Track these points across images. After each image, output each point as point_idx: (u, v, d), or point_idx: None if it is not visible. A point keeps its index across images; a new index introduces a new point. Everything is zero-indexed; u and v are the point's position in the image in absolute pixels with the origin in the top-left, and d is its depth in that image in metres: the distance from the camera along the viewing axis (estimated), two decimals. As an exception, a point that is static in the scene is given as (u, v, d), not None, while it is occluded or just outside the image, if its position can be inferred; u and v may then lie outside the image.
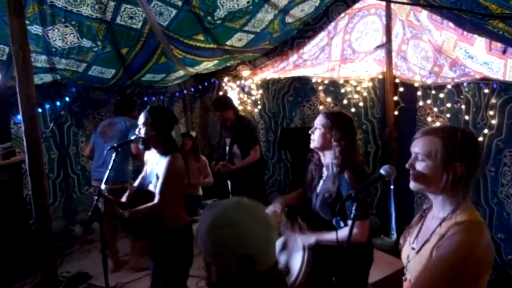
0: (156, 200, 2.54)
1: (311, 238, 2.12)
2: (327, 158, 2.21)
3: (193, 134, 4.64)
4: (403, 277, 1.52)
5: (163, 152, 2.66)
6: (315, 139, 2.21)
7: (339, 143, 2.11)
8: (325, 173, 2.26)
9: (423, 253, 1.36)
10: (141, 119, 2.66)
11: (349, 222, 1.79)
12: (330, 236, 2.05)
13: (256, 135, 4.29)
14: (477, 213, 1.35)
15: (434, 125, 1.36)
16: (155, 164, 2.72)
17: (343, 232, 1.90)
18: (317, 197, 2.25)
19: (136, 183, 2.99)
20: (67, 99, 4.83)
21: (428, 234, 1.39)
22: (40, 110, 4.44)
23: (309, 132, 2.26)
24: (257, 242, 1.01)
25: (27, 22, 2.61)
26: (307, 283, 2.08)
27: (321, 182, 2.26)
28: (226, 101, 4.34)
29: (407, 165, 1.42)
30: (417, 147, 1.39)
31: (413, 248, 1.45)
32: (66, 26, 3.23)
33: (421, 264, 1.35)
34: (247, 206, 1.08)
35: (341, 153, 2.10)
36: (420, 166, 1.38)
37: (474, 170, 1.36)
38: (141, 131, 2.65)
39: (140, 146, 2.71)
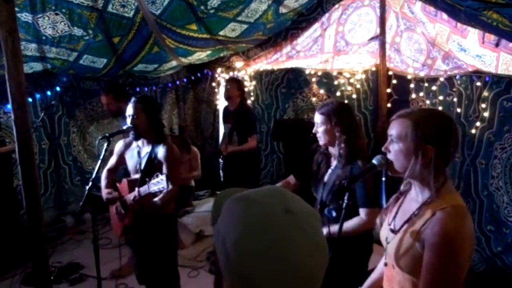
0: (171, 186, 2.48)
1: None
2: (336, 148, 2.22)
3: (175, 129, 4.55)
4: (383, 263, 1.52)
5: (153, 140, 2.67)
6: (321, 137, 2.23)
7: (342, 135, 2.14)
8: (333, 162, 2.26)
9: (404, 235, 1.37)
10: (130, 109, 2.67)
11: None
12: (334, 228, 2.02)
13: (256, 125, 4.32)
14: (457, 196, 1.35)
15: (412, 108, 1.37)
16: (143, 154, 2.72)
17: (349, 223, 2.02)
18: (325, 186, 2.25)
19: (103, 176, 2.93)
20: (58, 88, 4.77)
21: (407, 215, 1.40)
22: (30, 99, 4.38)
23: (313, 131, 2.26)
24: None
25: (16, 9, 2.56)
26: None
27: (329, 171, 2.27)
28: (237, 81, 4.45)
29: (383, 148, 1.43)
30: (392, 129, 1.40)
31: (392, 230, 1.46)
32: (56, 14, 3.18)
33: (402, 246, 1.36)
34: (300, 218, 0.74)
35: (347, 143, 2.13)
36: (393, 149, 1.39)
37: (446, 153, 1.33)
38: (132, 120, 2.65)
39: (131, 136, 2.72)
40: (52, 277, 3.45)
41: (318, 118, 2.22)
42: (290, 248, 0.70)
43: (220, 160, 4.43)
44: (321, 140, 2.23)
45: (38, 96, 4.60)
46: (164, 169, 2.62)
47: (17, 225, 3.92)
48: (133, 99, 2.73)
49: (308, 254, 0.71)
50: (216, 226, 0.77)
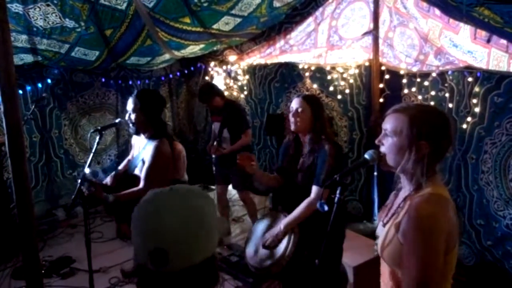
0: (141, 185, 2.56)
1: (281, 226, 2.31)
2: (307, 135, 2.38)
3: None
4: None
5: (151, 136, 2.66)
6: (299, 123, 2.35)
7: (317, 122, 2.34)
8: (304, 150, 2.41)
9: (389, 228, 1.39)
10: (130, 104, 2.65)
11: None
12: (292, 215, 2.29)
13: (247, 119, 4.26)
14: (440, 188, 1.35)
15: (407, 103, 1.42)
16: (141, 149, 2.72)
17: (297, 211, 2.25)
18: (299, 173, 2.40)
19: (121, 166, 2.98)
20: (49, 81, 4.72)
21: (394, 210, 1.43)
22: (20, 91, 4.34)
23: (290, 116, 2.37)
24: (171, 236, 0.90)
25: (6, -1, 2.52)
26: (295, 253, 2.22)
27: (301, 159, 2.42)
28: (210, 91, 4.17)
29: (376, 141, 1.45)
30: (387, 123, 1.41)
31: (383, 225, 1.48)
32: (48, 5, 3.14)
33: (386, 238, 1.37)
34: (172, 196, 0.97)
35: (319, 129, 2.34)
36: (387, 142, 1.40)
37: (440, 150, 1.35)
38: (131, 116, 2.63)
39: (131, 131, 2.72)
40: (42, 271, 3.44)
41: (300, 104, 2.35)
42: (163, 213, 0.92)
43: (213, 155, 4.40)
44: (298, 126, 2.35)
45: (28, 88, 4.56)
46: (145, 165, 2.60)
47: (7, 218, 3.89)
48: (134, 93, 2.69)
49: (178, 217, 0.92)
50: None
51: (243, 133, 4.10)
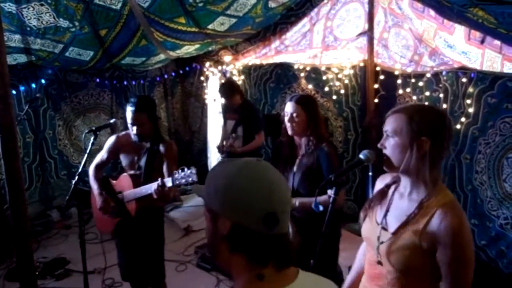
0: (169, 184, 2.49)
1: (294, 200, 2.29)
2: (304, 137, 2.38)
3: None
4: (376, 261, 1.46)
5: (152, 137, 2.66)
6: (295, 127, 2.34)
7: (312, 124, 2.33)
8: (300, 152, 2.41)
9: (406, 236, 1.36)
10: (132, 118, 2.57)
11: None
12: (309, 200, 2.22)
13: (262, 121, 4.27)
14: (448, 190, 1.42)
15: (405, 104, 1.47)
16: (142, 151, 2.69)
17: (322, 198, 2.11)
18: (295, 175, 2.38)
19: (91, 171, 2.86)
20: (43, 81, 4.70)
21: (403, 215, 1.40)
22: (14, 92, 4.31)
23: (286, 121, 2.36)
24: (282, 201, 0.91)
25: (-1, -2, 2.51)
26: None
27: (297, 161, 2.41)
28: (232, 87, 4.25)
29: (379, 145, 1.45)
30: (387, 125, 1.42)
31: (384, 229, 1.45)
32: (41, 5, 3.12)
33: (403, 246, 1.36)
34: (266, 163, 0.97)
35: (315, 130, 2.33)
36: (389, 144, 1.41)
37: (441, 146, 1.37)
38: (139, 130, 2.60)
39: (135, 138, 2.65)
40: (37, 272, 3.42)
41: (293, 107, 2.32)
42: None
43: (220, 155, 4.39)
44: (294, 130, 2.34)
45: (22, 88, 4.53)
46: (165, 165, 2.62)
47: (1, 219, 3.87)
48: (131, 107, 2.57)
49: (282, 182, 0.94)
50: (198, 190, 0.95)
51: (257, 134, 4.12)
